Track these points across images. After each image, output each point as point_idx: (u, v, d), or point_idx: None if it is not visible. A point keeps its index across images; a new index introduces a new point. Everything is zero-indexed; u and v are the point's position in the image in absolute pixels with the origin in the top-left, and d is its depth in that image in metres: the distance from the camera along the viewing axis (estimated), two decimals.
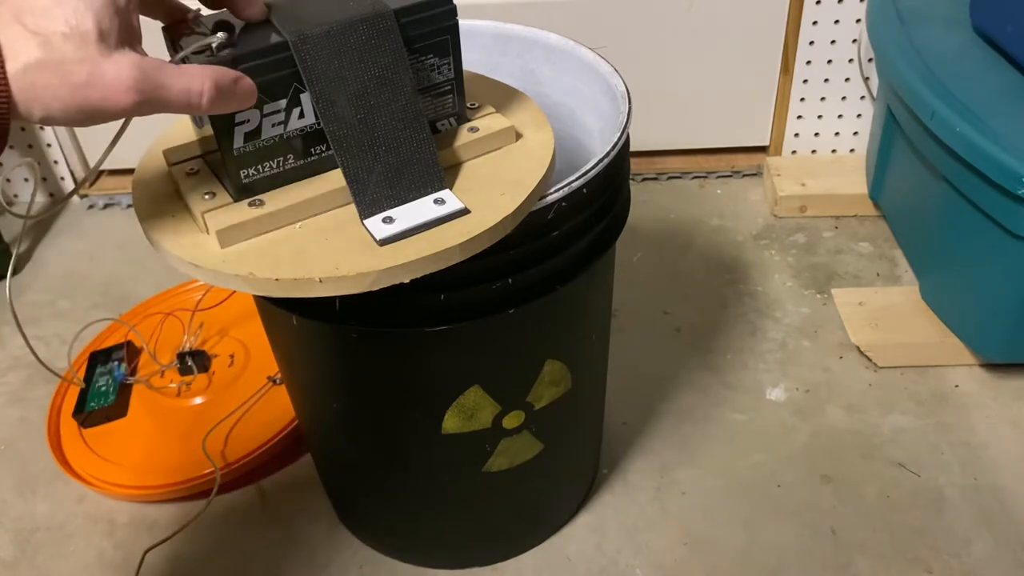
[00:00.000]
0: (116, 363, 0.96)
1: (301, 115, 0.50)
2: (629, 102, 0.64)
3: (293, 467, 0.89)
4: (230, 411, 0.89)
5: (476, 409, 0.65)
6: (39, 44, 0.38)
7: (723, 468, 0.87)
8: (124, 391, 0.93)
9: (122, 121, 0.48)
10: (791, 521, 0.82)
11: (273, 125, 0.49)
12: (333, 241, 0.50)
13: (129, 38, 0.42)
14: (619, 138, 0.60)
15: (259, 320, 0.72)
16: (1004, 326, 0.88)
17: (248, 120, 0.48)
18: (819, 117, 1.23)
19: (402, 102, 0.50)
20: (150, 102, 0.41)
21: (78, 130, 1.26)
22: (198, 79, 0.43)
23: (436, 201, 0.51)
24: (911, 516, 0.82)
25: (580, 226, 0.59)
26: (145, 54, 0.42)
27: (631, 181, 0.70)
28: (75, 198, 1.31)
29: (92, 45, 0.39)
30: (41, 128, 1.24)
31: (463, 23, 0.54)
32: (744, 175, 1.28)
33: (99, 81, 0.40)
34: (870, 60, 1.16)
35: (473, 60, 0.72)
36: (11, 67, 0.38)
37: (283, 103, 0.49)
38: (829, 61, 1.18)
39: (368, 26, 0.49)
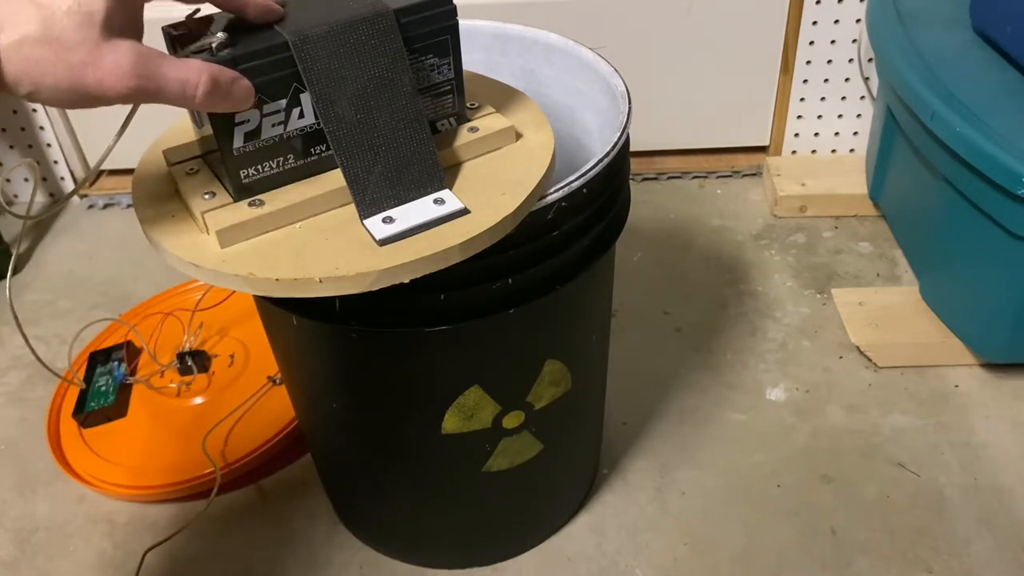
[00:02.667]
0: (116, 363, 0.96)
1: (301, 115, 0.50)
2: (629, 102, 0.64)
3: (293, 467, 0.89)
4: (230, 411, 0.89)
5: (476, 409, 0.65)
6: (41, 18, 0.38)
7: (723, 468, 0.87)
8: (124, 391, 0.93)
9: (122, 121, 0.48)
10: (791, 521, 0.82)
11: (273, 125, 0.49)
12: (333, 241, 0.50)
13: (133, 29, 0.42)
14: (619, 138, 0.60)
15: (259, 320, 0.72)
16: (1004, 326, 0.88)
17: (248, 120, 0.48)
18: (819, 117, 1.23)
19: (402, 102, 0.50)
20: (145, 91, 0.41)
21: (78, 130, 1.26)
22: (196, 72, 0.43)
23: (436, 201, 0.51)
24: (911, 516, 0.82)
25: (580, 226, 0.59)
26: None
27: (631, 181, 0.70)
28: (75, 198, 1.31)
29: (96, 27, 0.39)
30: (41, 128, 1.24)
31: (463, 23, 0.54)
32: (744, 175, 1.28)
33: (97, 63, 0.39)
34: (870, 60, 1.16)
35: (473, 60, 0.72)
36: (5, 38, 0.38)
37: (283, 103, 0.49)
38: (829, 61, 1.18)
39: (368, 26, 0.49)
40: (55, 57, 0.38)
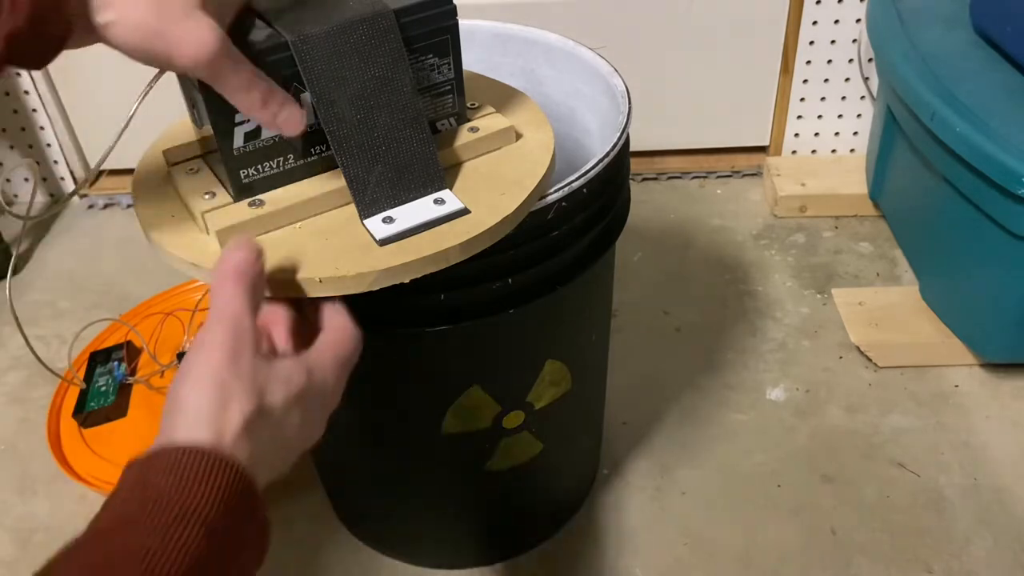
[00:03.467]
0: (116, 363, 0.96)
1: None
2: (629, 102, 0.64)
3: (293, 467, 0.89)
4: None
5: (476, 409, 0.65)
6: None
7: (723, 468, 0.87)
8: (124, 391, 0.93)
9: (123, 122, 0.48)
10: (791, 521, 0.82)
11: None
12: (333, 241, 0.50)
13: (220, 17, 0.43)
14: (619, 138, 0.60)
15: None
16: (1004, 326, 0.88)
17: (248, 120, 0.48)
18: (819, 117, 1.23)
19: (402, 102, 0.50)
20: (214, 71, 0.42)
21: (78, 130, 1.26)
22: (249, 81, 0.44)
23: (436, 201, 0.51)
24: (911, 516, 0.82)
25: (580, 226, 0.59)
26: None
27: (631, 181, 0.70)
28: (75, 198, 1.31)
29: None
30: (41, 128, 1.24)
31: (463, 23, 0.53)
32: (744, 175, 1.28)
33: (184, 27, 0.40)
34: (870, 60, 1.16)
35: (473, 60, 0.72)
36: None
37: None
38: (829, 61, 1.18)
39: (368, 26, 0.49)
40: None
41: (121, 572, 0.35)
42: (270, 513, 0.42)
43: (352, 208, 0.51)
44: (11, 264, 0.71)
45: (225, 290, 0.43)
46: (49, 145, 1.26)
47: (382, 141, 0.50)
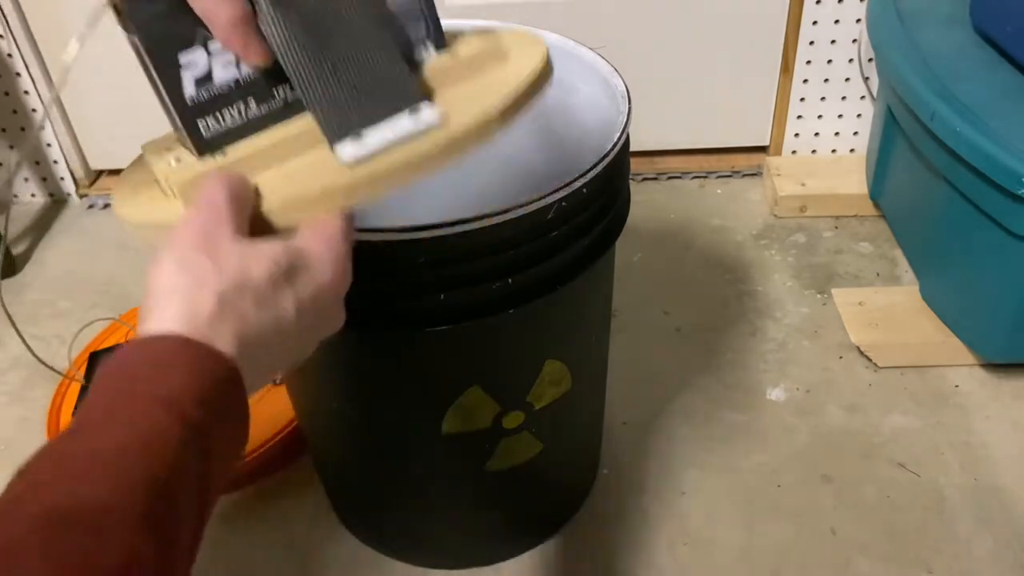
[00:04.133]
0: None
1: None
2: (629, 102, 0.64)
3: (293, 467, 0.89)
4: None
5: (476, 409, 0.65)
6: None
7: (723, 468, 0.87)
8: None
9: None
10: (791, 521, 0.82)
11: (224, 66, 0.45)
12: (303, 178, 0.46)
13: None
14: (619, 138, 0.60)
15: None
16: (1004, 326, 0.88)
17: (194, 62, 0.44)
18: (819, 117, 1.23)
19: (364, 18, 0.46)
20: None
21: (78, 130, 1.26)
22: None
23: (411, 114, 0.47)
24: (911, 516, 0.82)
25: (580, 226, 0.59)
26: None
27: (631, 181, 0.70)
28: (75, 198, 1.31)
29: None
30: (41, 128, 1.24)
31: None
32: (744, 175, 1.28)
33: None
34: (870, 60, 1.16)
35: None
36: None
37: None
38: (829, 61, 1.18)
39: None
40: None
41: (94, 472, 0.33)
42: (251, 401, 0.39)
43: (326, 149, 0.47)
44: (1, 263, 0.70)
45: (207, 185, 0.42)
46: (49, 145, 1.26)
47: (344, 60, 0.46)
